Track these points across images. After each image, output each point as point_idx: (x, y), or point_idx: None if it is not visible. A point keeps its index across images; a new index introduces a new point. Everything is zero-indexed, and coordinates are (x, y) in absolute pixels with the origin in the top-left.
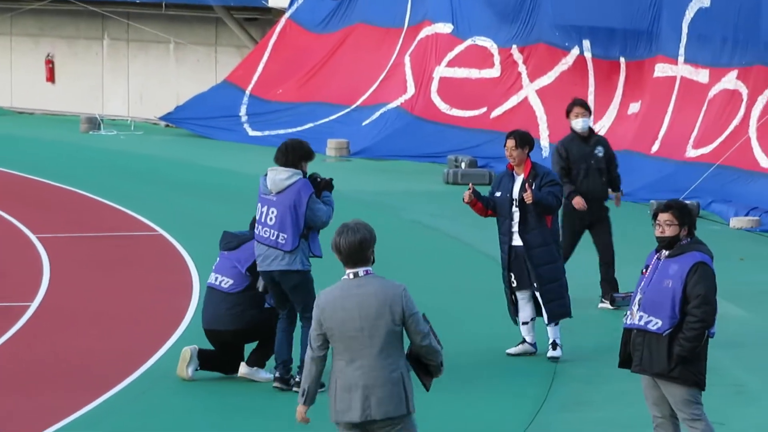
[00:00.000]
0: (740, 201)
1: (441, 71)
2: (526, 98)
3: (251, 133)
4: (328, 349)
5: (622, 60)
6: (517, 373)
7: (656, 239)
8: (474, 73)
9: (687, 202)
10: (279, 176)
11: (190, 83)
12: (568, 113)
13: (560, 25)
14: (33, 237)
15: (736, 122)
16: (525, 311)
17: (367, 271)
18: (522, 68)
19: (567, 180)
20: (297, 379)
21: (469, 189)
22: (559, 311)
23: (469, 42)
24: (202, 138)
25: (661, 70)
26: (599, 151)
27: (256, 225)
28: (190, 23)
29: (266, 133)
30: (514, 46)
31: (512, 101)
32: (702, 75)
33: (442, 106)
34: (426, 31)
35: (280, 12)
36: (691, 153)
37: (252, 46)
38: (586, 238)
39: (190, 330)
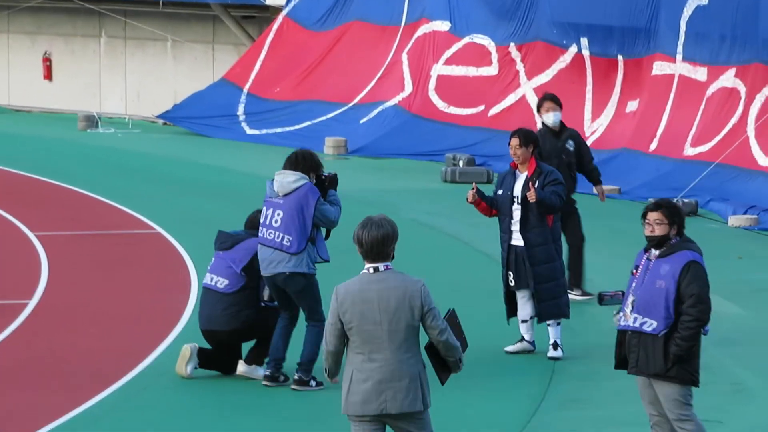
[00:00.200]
0: (738, 199)
1: (439, 69)
2: (523, 96)
3: (249, 131)
4: (345, 345)
5: (620, 58)
6: (516, 371)
7: (646, 238)
8: (472, 71)
9: (675, 200)
10: (287, 179)
11: (188, 81)
12: (539, 108)
13: (558, 22)
14: (31, 235)
15: (734, 120)
16: (524, 309)
17: (387, 266)
18: (520, 66)
19: None
20: (296, 376)
21: (473, 189)
22: (553, 311)
23: (466, 40)
24: (200, 136)
25: (659, 68)
26: (570, 145)
27: (260, 228)
28: (188, 21)
29: (264, 131)
30: (512, 44)
31: (510, 99)
32: (700, 73)
33: (440, 104)
34: (423, 29)
35: (277, 10)
36: (690, 151)
37: (249, 44)
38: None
39: (188, 327)
